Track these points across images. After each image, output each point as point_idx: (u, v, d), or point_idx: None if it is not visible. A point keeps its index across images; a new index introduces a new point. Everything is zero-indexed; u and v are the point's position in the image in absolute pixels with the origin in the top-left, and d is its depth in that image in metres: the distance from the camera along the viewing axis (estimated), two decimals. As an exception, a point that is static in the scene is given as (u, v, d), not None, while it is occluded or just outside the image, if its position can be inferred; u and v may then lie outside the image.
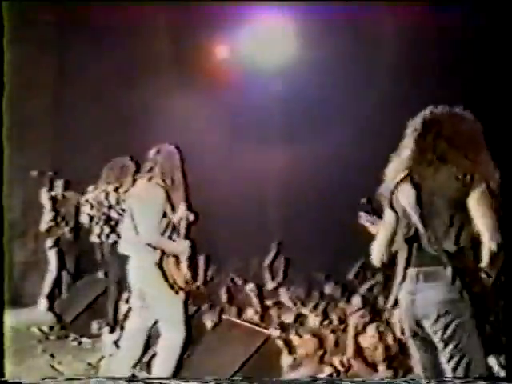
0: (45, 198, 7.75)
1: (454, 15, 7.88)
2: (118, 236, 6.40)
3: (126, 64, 8.79)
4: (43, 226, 7.73)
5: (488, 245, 3.15)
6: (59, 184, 7.84)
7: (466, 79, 7.89)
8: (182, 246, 4.96)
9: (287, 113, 8.63)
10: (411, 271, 3.34)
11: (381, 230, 3.54)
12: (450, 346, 3.21)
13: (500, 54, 7.00)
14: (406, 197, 3.38)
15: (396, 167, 3.49)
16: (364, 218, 3.75)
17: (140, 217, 4.93)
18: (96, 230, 6.84)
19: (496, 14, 6.89)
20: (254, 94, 8.62)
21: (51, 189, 7.82)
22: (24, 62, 8.17)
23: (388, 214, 3.49)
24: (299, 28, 8.69)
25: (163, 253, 4.89)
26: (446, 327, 3.21)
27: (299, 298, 7.41)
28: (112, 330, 6.36)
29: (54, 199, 7.75)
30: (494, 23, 7.15)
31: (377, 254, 3.53)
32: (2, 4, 4.64)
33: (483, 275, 3.23)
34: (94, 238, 6.89)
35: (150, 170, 5.02)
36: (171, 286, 4.92)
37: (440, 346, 3.26)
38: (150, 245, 4.86)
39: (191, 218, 5.05)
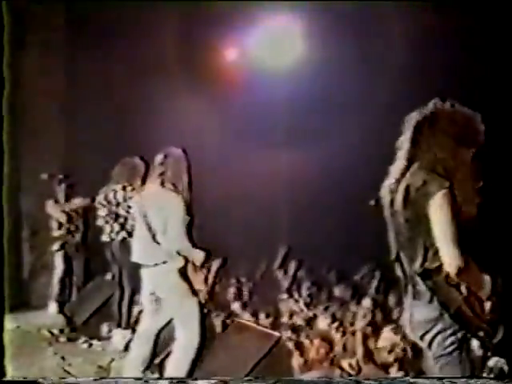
0: (53, 209, 7.82)
1: (461, 15, 7.86)
2: (129, 234, 6.48)
3: (136, 65, 8.79)
4: (53, 233, 7.81)
5: (448, 270, 3.06)
6: (64, 190, 7.90)
7: (475, 80, 7.87)
8: (199, 254, 4.99)
9: (295, 114, 8.61)
10: (409, 286, 3.29)
11: None
12: (439, 362, 3.19)
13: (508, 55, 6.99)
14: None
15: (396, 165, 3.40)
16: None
17: (166, 226, 4.93)
18: (107, 228, 6.87)
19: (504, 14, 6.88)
20: (262, 96, 8.60)
21: (57, 200, 7.88)
22: (34, 66, 8.22)
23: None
24: (308, 29, 8.68)
25: (186, 259, 4.94)
26: (429, 345, 3.19)
27: (309, 301, 7.42)
28: (127, 331, 6.38)
29: (63, 211, 7.82)
30: (503, 24, 7.14)
31: None
32: (1, 4, 4.65)
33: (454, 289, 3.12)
34: (104, 238, 6.92)
35: (162, 174, 5.04)
36: (192, 291, 4.96)
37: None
38: (178, 252, 4.90)
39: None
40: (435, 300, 3.12)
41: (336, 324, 6.18)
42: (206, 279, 5.12)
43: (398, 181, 3.29)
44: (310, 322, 6.42)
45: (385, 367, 5.27)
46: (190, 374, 4.96)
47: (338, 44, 8.39)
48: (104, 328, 6.91)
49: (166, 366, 5.10)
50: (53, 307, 7.64)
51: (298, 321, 6.38)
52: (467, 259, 3.05)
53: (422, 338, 3.21)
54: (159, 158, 5.10)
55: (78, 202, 7.85)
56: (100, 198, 6.98)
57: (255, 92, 8.61)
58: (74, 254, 7.90)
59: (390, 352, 5.33)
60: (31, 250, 8.34)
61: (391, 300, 7.41)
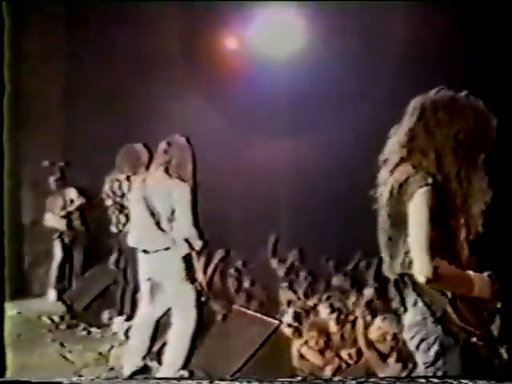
0: (52, 220, 7.85)
1: (459, 13, 7.85)
2: None
3: (136, 55, 8.78)
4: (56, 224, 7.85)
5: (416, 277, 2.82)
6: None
7: (474, 78, 7.88)
8: (198, 240, 5.00)
9: (296, 104, 8.60)
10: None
11: None
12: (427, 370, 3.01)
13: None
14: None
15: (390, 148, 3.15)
16: None
17: (173, 213, 4.95)
18: (113, 219, 6.87)
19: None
20: (262, 85, 8.59)
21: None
22: (35, 53, 8.21)
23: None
24: (309, 21, 8.66)
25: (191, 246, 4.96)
26: (417, 350, 3.00)
27: (308, 290, 7.43)
28: (128, 319, 6.39)
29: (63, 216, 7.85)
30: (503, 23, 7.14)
31: None
32: (1, 4, 4.64)
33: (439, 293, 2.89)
34: (112, 228, 6.91)
35: (166, 162, 5.04)
36: (192, 279, 4.99)
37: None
38: (187, 240, 4.91)
39: None
40: (419, 302, 2.93)
41: (335, 314, 6.20)
42: (205, 267, 5.14)
43: (391, 172, 3.06)
44: (309, 311, 6.43)
45: (383, 357, 5.27)
46: (187, 361, 4.99)
47: (339, 34, 8.38)
48: (104, 315, 6.93)
49: (163, 354, 5.12)
50: (52, 295, 7.67)
51: (297, 310, 6.38)
52: (443, 265, 2.79)
53: (410, 341, 3.03)
54: (163, 145, 5.10)
55: (73, 195, 7.85)
56: (106, 187, 6.97)
57: (256, 81, 8.60)
58: (74, 242, 7.92)
59: (382, 342, 5.33)
60: (32, 238, 8.35)
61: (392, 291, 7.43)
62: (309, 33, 8.67)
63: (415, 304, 2.95)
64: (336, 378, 4.95)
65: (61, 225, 7.85)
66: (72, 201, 7.92)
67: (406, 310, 2.99)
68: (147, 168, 5.78)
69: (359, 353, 5.30)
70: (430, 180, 2.83)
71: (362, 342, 5.33)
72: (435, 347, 2.91)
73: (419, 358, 3.00)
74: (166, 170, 5.03)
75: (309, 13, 8.60)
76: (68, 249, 7.92)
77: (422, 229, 2.78)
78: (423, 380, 3.39)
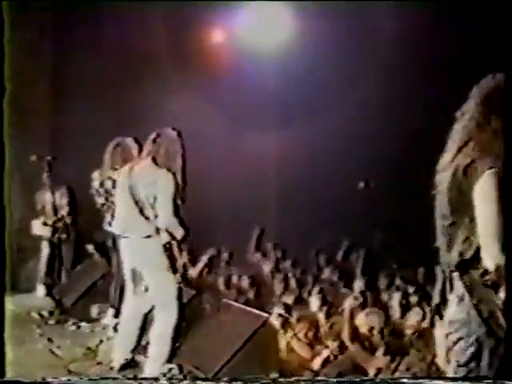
0: (40, 229, 7.80)
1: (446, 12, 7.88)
2: None
3: (125, 49, 8.76)
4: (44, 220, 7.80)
5: (485, 263, 2.71)
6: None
7: (461, 76, 7.92)
8: (180, 229, 4.99)
9: (283, 96, 8.61)
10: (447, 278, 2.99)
11: None
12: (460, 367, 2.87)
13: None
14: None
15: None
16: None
17: (155, 201, 4.94)
18: (107, 217, 6.78)
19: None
20: (250, 78, 8.60)
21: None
22: (21, 48, 8.15)
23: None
24: (296, 12, 8.66)
25: (172, 236, 4.94)
26: (452, 347, 2.89)
27: (297, 283, 7.44)
28: (117, 313, 6.36)
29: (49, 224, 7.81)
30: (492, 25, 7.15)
31: None
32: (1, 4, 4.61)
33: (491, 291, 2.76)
34: (106, 226, 6.83)
35: (154, 151, 5.04)
36: (173, 269, 4.97)
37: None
38: (167, 229, 4.89)
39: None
40: (467, 299, 2.80)
41: (325, 306, 6.21)
42: (193, 261, 5.13)
43: (454, 156, 2.93)
44: (299, 303, 6.44)
45: (372, 350, 5.28)
46: (173, 353, 4.99)
47: (326, 27, 8.38)
48: (93, 310, 6.91)
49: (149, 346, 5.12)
50: (41, 290, 7.64)
51: (287, 301, 6.39)
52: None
53: (447, 336, 2.92)
54: (153, 135, 5.11)
55: (60, 201, 7.80)
56: (96, 184, 6.86)
57: (243, 75, 8.61)
58: (63, 238, 7.89)
59: (369, 335, 5.34)
60: (19, 234, 8.31)
61: (382, 282, 7.45)
62: (295, 27, 8.67)
63: (461, 300, 2.83)
64: (336, 379, 4.93)
65: (47, 233, 7.81)
66: (56, 209, 7.86)
67: (463, 299, 2.83)
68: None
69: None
70: (498, 162, 2.73)
71: (346, 335, 5.33)
72: (473, 348, 2.80)
73: (453, 355, 2.90)
74: (154, 160, 5.04)
75: (295, 7, 8.60)
76: (56, 244, 7.88)
77: (492, 211, 2.69)
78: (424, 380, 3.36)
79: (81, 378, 5.05)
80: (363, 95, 8.37)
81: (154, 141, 5.10)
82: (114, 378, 5.11)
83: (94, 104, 8.61)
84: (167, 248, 4.98)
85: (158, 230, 4.95)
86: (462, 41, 8.02)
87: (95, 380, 4.95)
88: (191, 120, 8.36)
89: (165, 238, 4.96)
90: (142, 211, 4.99)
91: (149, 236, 4.98)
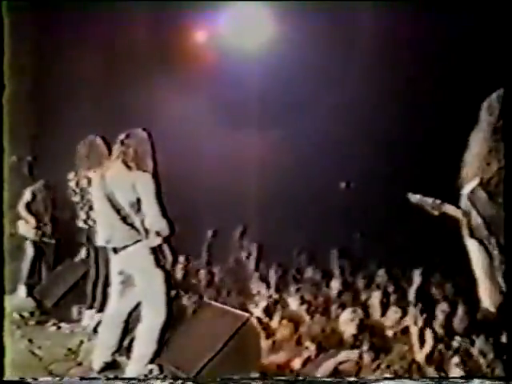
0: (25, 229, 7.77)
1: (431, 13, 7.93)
2: None
3: (106, 49, 8.75)
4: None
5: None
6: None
7: (448, 78, 7.99)
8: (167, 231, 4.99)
9: (264, 98, 8.63)
10: None
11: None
12: None
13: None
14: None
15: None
16: (418, 199, 3.55)
17: (139, 205, 4.92)
18: (82, 215, 6.79)
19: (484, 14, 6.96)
20: (232, 78, 8.61)
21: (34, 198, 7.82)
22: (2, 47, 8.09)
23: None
24: (277, 13, 8.69)
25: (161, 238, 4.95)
26: None
27: (278, 283, 7.47)
28: (98, 313, 6.37)
29: (28, 205, 7.78)
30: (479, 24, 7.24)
31: None
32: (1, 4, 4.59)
33: None
34: (80, 224, 6.85)
35: (123, 153, 5.01)
36: (161, 268, 4.98)
37: None
38: (158, 232, 4.89)
39: None
40: None
41: (305, 306, 6.24)
42: (174, 260, 5.14)
43: (480, 166, 3.06)
44: (279, 303, 6.47)
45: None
46: (157, 354, 5.00)
47: (310, 27, 8.41)
48: (74, 311, 6.90)
49: (132, 349, 5.12)
50: (22, 291, 7.62)
51: (267, 302, 6.41)
52: None
53: None
54: (121, 137, 5.08)
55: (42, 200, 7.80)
56: (72, 184, 6.88)
57: (225, 75, 8.62)
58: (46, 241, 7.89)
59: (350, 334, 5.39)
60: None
61: (360, 282, 7.50)
62: (278, 27, 8.70)
63: None
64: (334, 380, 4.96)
65: (32, 235, 7.80)
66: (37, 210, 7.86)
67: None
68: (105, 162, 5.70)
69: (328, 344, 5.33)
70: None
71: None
72: None
73: None
74: (124, 162, 5.00)
75: (279, 8, 8.63)
76: (40, 246, 7.87)
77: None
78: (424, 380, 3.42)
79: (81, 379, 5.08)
80: (347, 96, 8.41)
81: (122, 142, 5.07)
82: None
83: (75, 104, 8.58)
84: (156, 250, 4.98)
85: (147, 234, 4.94)
86: (447, 39, 8.08)
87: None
88: (174, 119, 8.39)
89: (155, 241, 4.95)
90: (125, 219, 4.97)
91: (137, 241, 4.97)
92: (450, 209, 3.31)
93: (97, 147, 6.43)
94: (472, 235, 3.07)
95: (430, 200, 3.46)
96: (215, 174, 8.61)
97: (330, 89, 8.44)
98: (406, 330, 5.56)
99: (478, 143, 3.09)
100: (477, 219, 3.03)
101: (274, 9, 8.64)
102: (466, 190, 3.10)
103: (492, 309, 2.78)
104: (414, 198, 3.57)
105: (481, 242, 3.02)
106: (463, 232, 3.09)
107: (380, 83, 7.78)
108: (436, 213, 3.39)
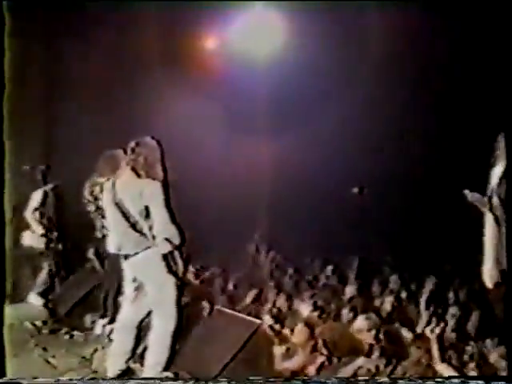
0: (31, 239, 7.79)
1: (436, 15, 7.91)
2: None
3: (118, 56, 8.77)
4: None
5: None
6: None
7: (451, 79, 7.97)
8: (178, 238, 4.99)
9: (275, 103, 8.63)
10: None
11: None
12: None
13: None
14: None
15: None
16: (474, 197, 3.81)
17: (148, 213, 4.93)
18: (98, 224, 6.81)
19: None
20: (242, 85, 8.62)
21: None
22: (14, 54, 8.14)
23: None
24: (287, 20, 8.68)
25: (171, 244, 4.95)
26: None
27: (292, 288, 7.45)
28: (111, 322, 6.36)
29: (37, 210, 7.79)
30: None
31: None
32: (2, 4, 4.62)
33: None
34: (98, 233, 6.84)
35: (133, 161, 5.03)
36: (173, 275, 4.98)
37: None
38: (167, 238, 4.89)
39: None
40: None
41: (318, 312, 6.22)
42: (186, 267, 5.14)
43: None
44: (292, 310, 6.45)
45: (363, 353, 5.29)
46: (170, 361, 4.99)
47: (318, 30, 8.41)
48: (87, 319, 6.91)
49: (145, 356, 5.11)
50: (36, 299, 7.62)
51: (281, 308, 6.41)
52: None
53: None
54: (131, 145, 5.10)
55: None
56: (86, 193, 6.91)
57: (236, 81, 8.62)
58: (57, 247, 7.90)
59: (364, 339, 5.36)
60: (14, 244, 8.29)
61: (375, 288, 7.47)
62: (288, 33, 8.70)
63: None
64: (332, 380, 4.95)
65: (40, 244, 7.80)
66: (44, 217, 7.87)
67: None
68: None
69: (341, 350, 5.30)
70: None
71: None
72: None
73: None
74: (134, 169, 5.02)
75: (288, 14, 8.63)
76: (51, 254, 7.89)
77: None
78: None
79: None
80: (358, 101, 8.38)
81: (133, 150, 5.09)
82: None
83: (88, 111, 8.60)
84: (167, 255, 4.99)
85: (154, 241, 4.95)
86: (454, 40, 8.06)
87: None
88: (184, 127, 8.39)
89: (165, 247, 4.96)
90: (134, 226, 4.98)
91: (147, 248, 4.98)
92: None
93: (115, 159, 6.45)
94: (491, 210, 3.60)
95: (482, 198, 3.81)
96: (226, 181, 8.60)
97: (341, 93, 8.41)
98: (420, 335, 5.53)
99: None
100: (497, 200, 3.59)
101: (284, 13, 8.63)
102: (494, 176, 3.59)
103: (490, 285, 3.18)
104: (472, 195, 3.86)
105: (496, 218, 3.54)
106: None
107: (392, 85, 7.74)
108: (485, 209, 3.75)
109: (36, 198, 7.85)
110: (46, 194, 7.90)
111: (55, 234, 7.89)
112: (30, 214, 7.80)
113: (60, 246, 7.91)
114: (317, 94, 8.52)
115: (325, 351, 5.28)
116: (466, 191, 3.88)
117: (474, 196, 3.85)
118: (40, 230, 7.81)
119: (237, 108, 8.66)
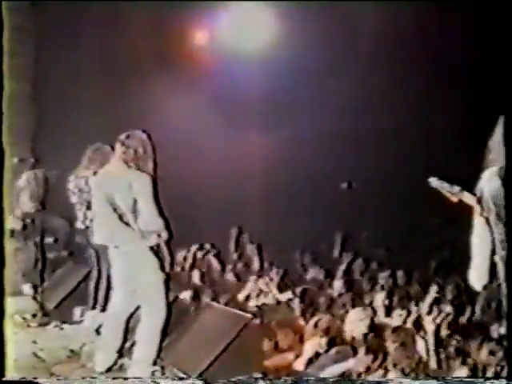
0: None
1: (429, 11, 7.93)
2: None
3: (107, 51, 8.75)
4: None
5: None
6: None
7: (445, 75, 7.99)
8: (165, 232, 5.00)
9: (266, 98, 8.62)
10: None
11: None
12: None
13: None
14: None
15: None
16: (439, 184, 3.75)
17: (136, 205, 4.93)
18: (80, 216, 6.82)
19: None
20: (233, 80, 8.61)
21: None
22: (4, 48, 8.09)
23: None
24: (279, 13, 8.68)
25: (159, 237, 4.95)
26: None
27: (281, 283, 7.44)
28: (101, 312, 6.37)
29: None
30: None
31: None
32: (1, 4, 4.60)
33: None
34: (79, 224, 6.86)
35: (124, 153, 5.03)
36: (161, 269, 4.99)
37: None
38: (155, 231, 4.90)
39: None
40: None
41: (306, 306, 6.23)
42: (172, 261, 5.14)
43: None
44: (281, 304, 6.46)
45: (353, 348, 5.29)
46: (158, 355, 4.99)
47: (309, 26, 8.41)
48: (76, 312, 6.90)
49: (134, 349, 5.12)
50: (25, 292, 7.61)
51: (268, 302, 6.41)
52: None
53: None
54: (121, 137, 5.10)
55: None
56: (71, 185, 6.90)
57: (226, 77, 8.62)
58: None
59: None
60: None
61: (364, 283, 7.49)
62: (279, 27, 8.69)
63: None
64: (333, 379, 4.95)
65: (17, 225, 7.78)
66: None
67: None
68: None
69: (329, 343, 5.29)
70: None
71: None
72: None
73: None
74: (124, 162, 5.03)
75: (279, 8, 8.62)
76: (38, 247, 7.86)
77: None
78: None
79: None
80: (348, 96, 8.39)
81: (123, 143, 5.09)
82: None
83: (76, 106, 8.58)
84: (155, 250, 4.99)
85: (143, 234, 4.95)
86: (449, 39, 8.08)
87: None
88: (174, 122, 8.38)
89: (152, 240, 4.96)
90: (121, 218, 4.98)
91: (134, 241, 4.97)
92: (467, 196, 3.60)
93: (103, 153, 6.45)
94: (481, 214, 3.42)
95: (449, 186, 3.71)
96: (217, 176, 8.60)
97: (332, 89, 8.42)
98: (409, 330, 5.53)
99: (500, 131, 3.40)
100: (488, 203, 3.35)
101: (275, 9, 8.63)
102: (485, 176, 3.40)
103: (478, 288, 3.12)
104: (435, 182, 3.78)
105: (487, 221, 3.35)
106: (474, 210, 3.45)
107: (383, 82, 7.76)
108: (454, 199, 3.65)
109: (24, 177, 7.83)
110: (35, 175, 7.88)
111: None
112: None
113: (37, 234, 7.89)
114: (309, 89, 8.52)
115: (313, 346, 5.27)
116: (431, 178, 3.81)
117: (436, 182, 3.75)
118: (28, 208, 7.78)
119: (228, 104, 8.65)
